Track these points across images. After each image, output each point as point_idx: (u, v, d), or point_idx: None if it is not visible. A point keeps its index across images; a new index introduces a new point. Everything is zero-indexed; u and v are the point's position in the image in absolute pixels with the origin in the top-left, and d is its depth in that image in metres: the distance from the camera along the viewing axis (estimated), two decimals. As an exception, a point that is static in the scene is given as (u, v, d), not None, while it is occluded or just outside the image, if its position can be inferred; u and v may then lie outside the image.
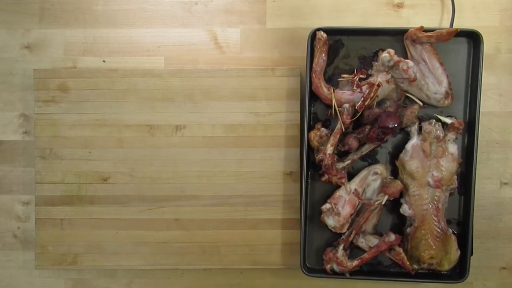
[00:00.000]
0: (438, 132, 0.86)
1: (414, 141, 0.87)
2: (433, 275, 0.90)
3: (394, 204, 0.90)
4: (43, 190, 0.94)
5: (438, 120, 0.88)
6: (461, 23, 0.92)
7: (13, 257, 0.98)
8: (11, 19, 0.96)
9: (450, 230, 0.88)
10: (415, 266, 0.88)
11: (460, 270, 0.89)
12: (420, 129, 0.88)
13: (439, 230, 0.86)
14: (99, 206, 0.94)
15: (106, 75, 0.93)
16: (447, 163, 0.86)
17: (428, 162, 0.86)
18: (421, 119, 0.89)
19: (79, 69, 0.95)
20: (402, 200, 0.88)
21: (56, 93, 0.94)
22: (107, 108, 0.93)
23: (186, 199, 0.93)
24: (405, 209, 0.87)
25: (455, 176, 0.87)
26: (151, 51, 0.96)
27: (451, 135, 0.87)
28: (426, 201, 0.86)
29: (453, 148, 0.87)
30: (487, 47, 0.93)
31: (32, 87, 0.95)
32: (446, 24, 0.92)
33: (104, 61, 0.96)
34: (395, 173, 0.90)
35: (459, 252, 0.88)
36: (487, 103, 0.93)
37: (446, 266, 0.88)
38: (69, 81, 0.94)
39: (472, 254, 0.90)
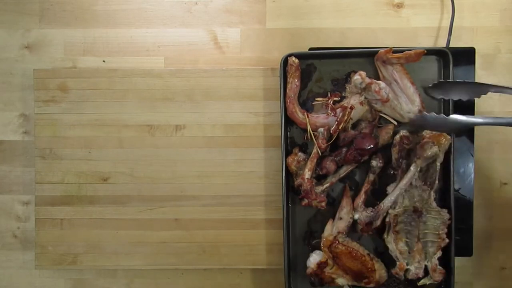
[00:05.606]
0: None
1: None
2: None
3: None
4: (43, 190, 0.94)
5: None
6: (461, 23, 0.92)
7: (13, 257, 0.98)
8: (11, 19, 0.96)
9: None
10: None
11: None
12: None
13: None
14: (99, 206, 0.94)
15: (106, 75, 0.93)
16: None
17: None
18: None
19: (79, 69, 0.95)
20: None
21: (56, 93, 0.94)
22: (107, 108, 0.93)
23: (186, 199, 0.93)
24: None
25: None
26: (151, 51, 0.96)
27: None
28: None
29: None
30: (487, 47, 0.93)
31: (32, 87, 0.95)
32: (446, 24, 0.92)
33: (104, 61, 0.96)
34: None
35: None
36: (487, 103, 0.93)
37: None
38: (69, 81, 0.94)
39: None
